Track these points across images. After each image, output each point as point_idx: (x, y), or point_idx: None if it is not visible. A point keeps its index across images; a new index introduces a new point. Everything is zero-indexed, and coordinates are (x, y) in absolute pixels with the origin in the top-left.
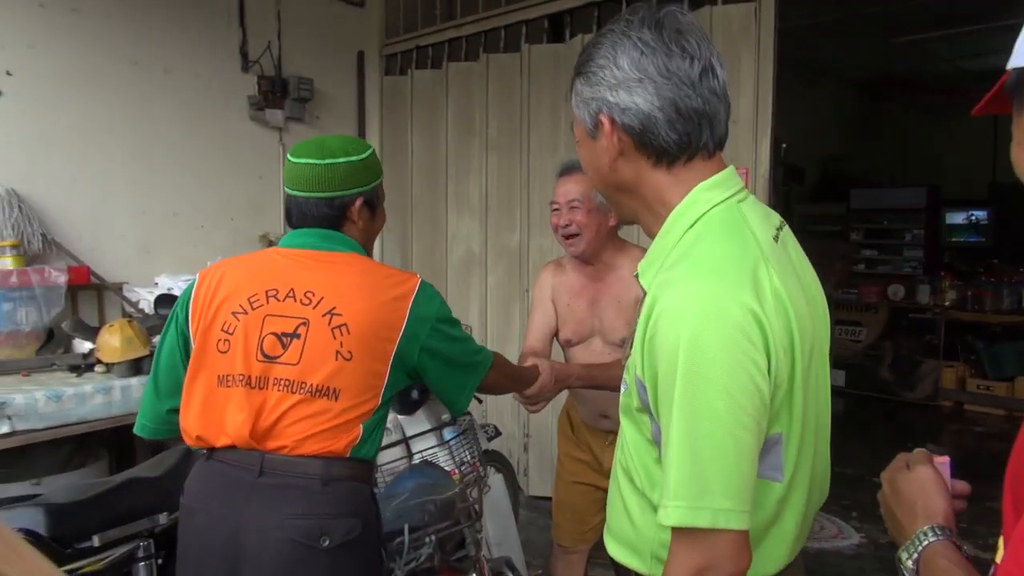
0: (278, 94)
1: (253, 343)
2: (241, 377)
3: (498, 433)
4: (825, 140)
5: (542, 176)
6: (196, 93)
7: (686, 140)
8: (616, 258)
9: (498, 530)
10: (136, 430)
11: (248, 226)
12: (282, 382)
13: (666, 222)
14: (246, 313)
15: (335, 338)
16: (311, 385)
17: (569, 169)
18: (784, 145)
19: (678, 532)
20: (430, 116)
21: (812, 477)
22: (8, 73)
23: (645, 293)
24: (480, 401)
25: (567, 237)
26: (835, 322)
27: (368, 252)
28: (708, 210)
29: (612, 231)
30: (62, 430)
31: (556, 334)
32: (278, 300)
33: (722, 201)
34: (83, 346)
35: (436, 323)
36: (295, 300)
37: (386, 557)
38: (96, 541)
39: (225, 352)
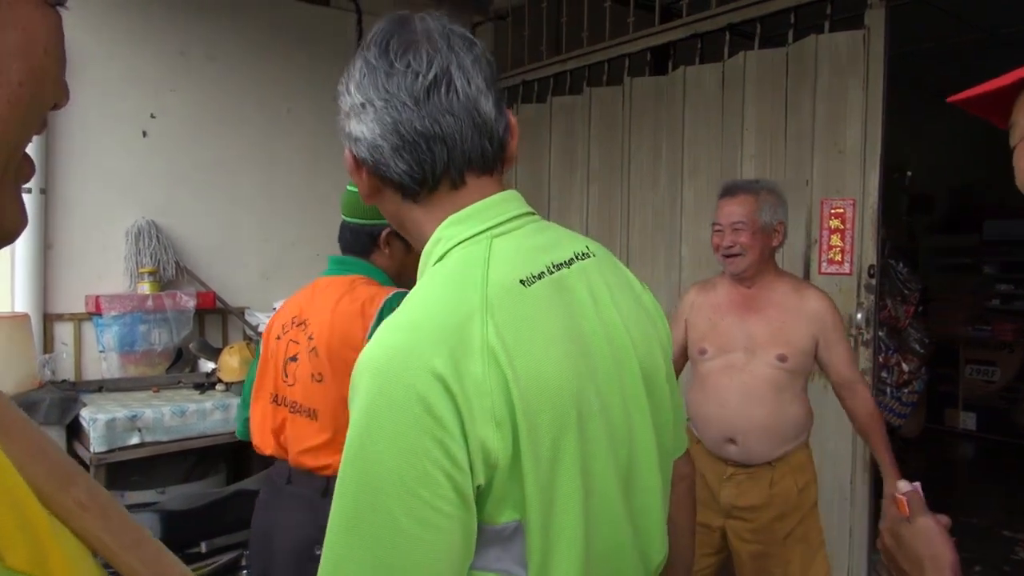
0: None
1: (280, 366)
2: (274, 396)
3: None
4: (956, 168)
5: (641, 208)
6: (315, 130)
7: (418, 170)
8: (774, 281)
9: None
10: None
11: None
12: (288, 401)
13: (420, 265)
14: (279, 339)
15: (310, 361)
16: (299, 405)
17: (732, 190)
18: (909, 174)
19: None
20: (533, 149)
21: (587, 572)
22: (152, 116)
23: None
24: None
25: (728, 256)
26: (965, 361)
27: (404, 284)
28: (450, 249)
29: (774, 252)
30: (185, 443)
31: (690, 346)
32: (294, 327)
33: (470, 237)
34: (207, 366)
35: None
36: (299, 326)
37: None
38: (203, 547)
39: (267, 374)
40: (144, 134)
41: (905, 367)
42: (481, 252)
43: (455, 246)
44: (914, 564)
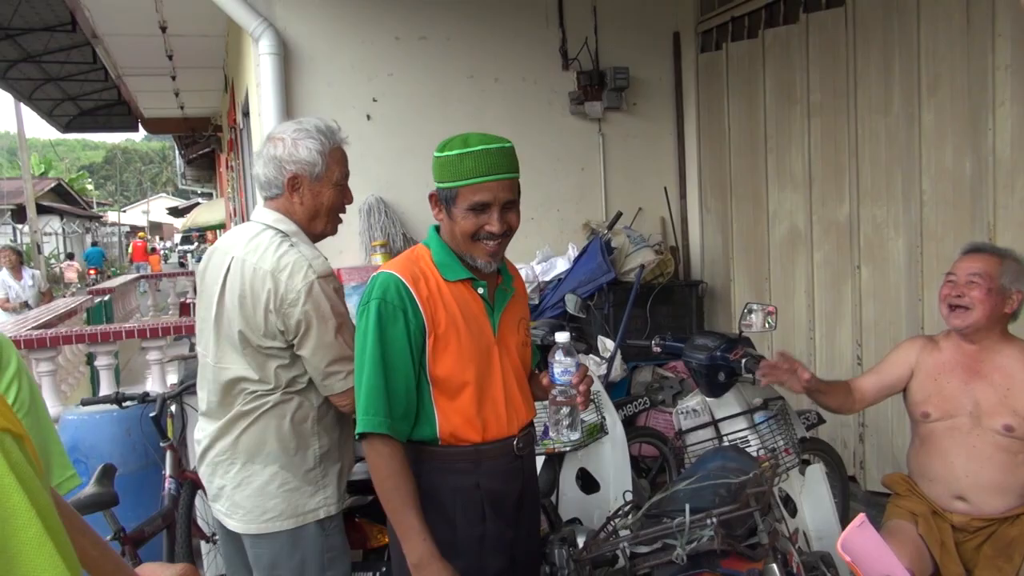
0: (596, 86)
1: None
2: None
3: (821, 420)
4: None
5: (873, 139)
6: (522, 96)
7: None
8: (1001, 345)
9: (819, 523)
10: None
11: (572, 216)
12: None
13: None
14: None
15: None
16: None
17: (978, 248)
18: None
19: None
20: (747, 88)
21: None
22: (374, 100)
23: None
24: None
25: (952, 308)
26: None
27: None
28: None
29: (1004, 318)
30: None
31: (911, 407)
32: None
33: None
34: None
35: None
36: None
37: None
38: None
39: None
40: (368, 117)
41: None
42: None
43: None
44: None
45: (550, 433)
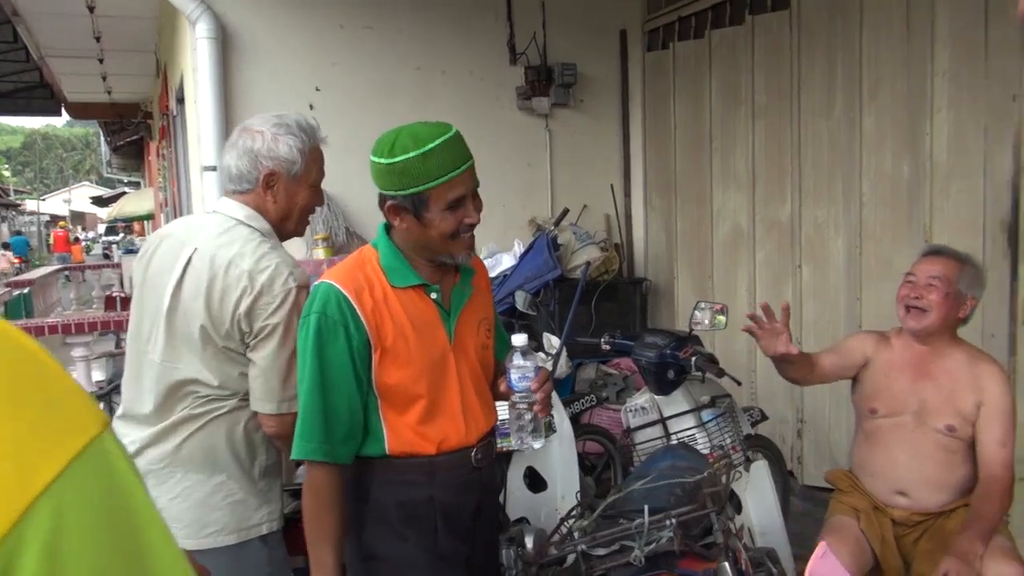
0: (543, 82)
1: None
2: None
3: (764, 417)
4: None
5: (815, 141)
6: (469, 90)
7: None
8: (951, 348)
9: (763, 519)
10: None
11: (518, 212)
12: None
13: None
14: None
15: None
16: None
17: (938, 251)
18: None
19: None
20: (693, 88)
21: None
22: (317, 89)
23: None
24: (739, 383)
25: (909, 309)
26: None
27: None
28: None
29: (957, 322)
30: None
31: (859, 401)
32: None
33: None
34: None
35: None
36: None
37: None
38: None
39: None
40: (311, 107)
41: None
42: None
43: None
44: None
45: (512, 440)
